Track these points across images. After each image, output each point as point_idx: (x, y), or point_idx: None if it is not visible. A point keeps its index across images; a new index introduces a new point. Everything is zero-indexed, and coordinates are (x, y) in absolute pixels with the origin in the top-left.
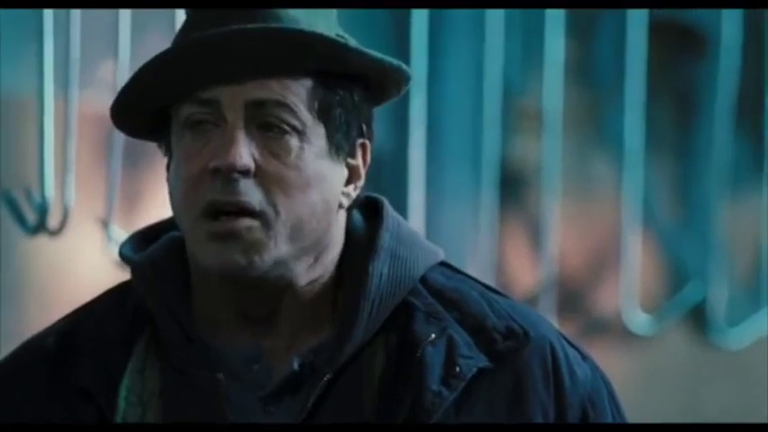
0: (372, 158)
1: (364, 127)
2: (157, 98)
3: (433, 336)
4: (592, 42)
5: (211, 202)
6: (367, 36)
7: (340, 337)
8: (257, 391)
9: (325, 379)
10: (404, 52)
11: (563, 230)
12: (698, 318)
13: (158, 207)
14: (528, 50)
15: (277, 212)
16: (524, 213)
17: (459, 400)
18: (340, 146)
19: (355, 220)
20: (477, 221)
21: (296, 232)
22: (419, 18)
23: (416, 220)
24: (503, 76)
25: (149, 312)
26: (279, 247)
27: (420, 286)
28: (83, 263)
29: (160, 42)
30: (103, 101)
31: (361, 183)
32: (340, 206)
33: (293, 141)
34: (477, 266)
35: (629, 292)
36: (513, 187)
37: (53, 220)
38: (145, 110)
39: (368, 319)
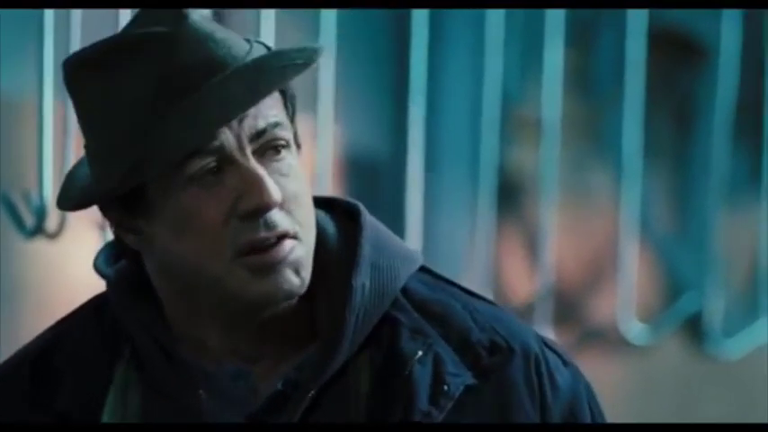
0: (370, 165)
1: None
2: (157, 167)
3: (420, 353)
4: (591, 52)
5: (249, 242)
6: (366, 41)
7: (325, 352)
8: (242, 409)
9: (309, 395)
10: (403, 58)
11: (560, 239)
12: (694, 328)
13: None
14: (527, 59)
15: (304, 229)
16: (521, 222)
17: (446, 417)
18: (298, 142)
19: (327, 225)
20: (474, 229)
21: (312, 239)
22: (419, 24)
23: (413, 227)
24: (502, 84)
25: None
26: (310, 260)
27: (402, 299)
28: (81, 266)
29: None
30: None
31: None
32: None
33: (289, 156)
34: (473, 275)
35: (626, 301)
36: (511, 196)
37: (51, 223)
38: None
39: (352, 333)
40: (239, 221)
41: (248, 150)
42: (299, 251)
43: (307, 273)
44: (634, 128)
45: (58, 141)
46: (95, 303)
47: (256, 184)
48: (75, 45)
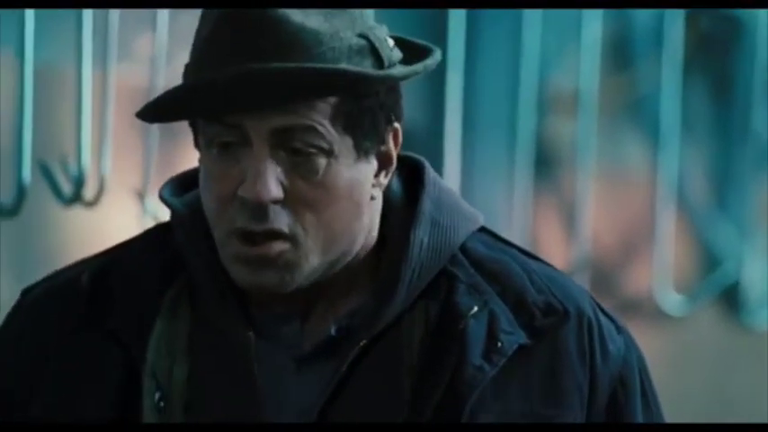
0: (407, 135)
1: (392, 115)
2: (183, 116)
3: (476, 309)
4: (628, 22)
5: (240, 228)
6: (405, 10)
7: (379, 302)
8: (291, 351)
9: (361, 344)
10: (441, 29)
11: (597, 210)
12: (731, 299)
13: None
14: (565, 29)
15: (306, 232)
16: (558, 193)
17: (497, 375)
18: (368, 149)
19: (393, 184)
20: (511, 201)
21: (328, 245)
22: None
23: None
24: (540, 54)
25: (185, 259)
26: (311, 262)
27: (460, 256)
28: (118, 234)
29: (198, 17)
30: (142, 72)
31: (392, 167)
32: (372, 198)
33: (320, 161)
34: None
35: (663, 272)
36: (548, 166)
37: (89, 191)
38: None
39: (408, 286)
40: (239, 203)
41: (267, 140)
42: (289, 255)
43: (293, 276)
44: (671, 98)
45: (96, 109)
46: (156, 232)
47: (256, 176)
48: (114, 13)
